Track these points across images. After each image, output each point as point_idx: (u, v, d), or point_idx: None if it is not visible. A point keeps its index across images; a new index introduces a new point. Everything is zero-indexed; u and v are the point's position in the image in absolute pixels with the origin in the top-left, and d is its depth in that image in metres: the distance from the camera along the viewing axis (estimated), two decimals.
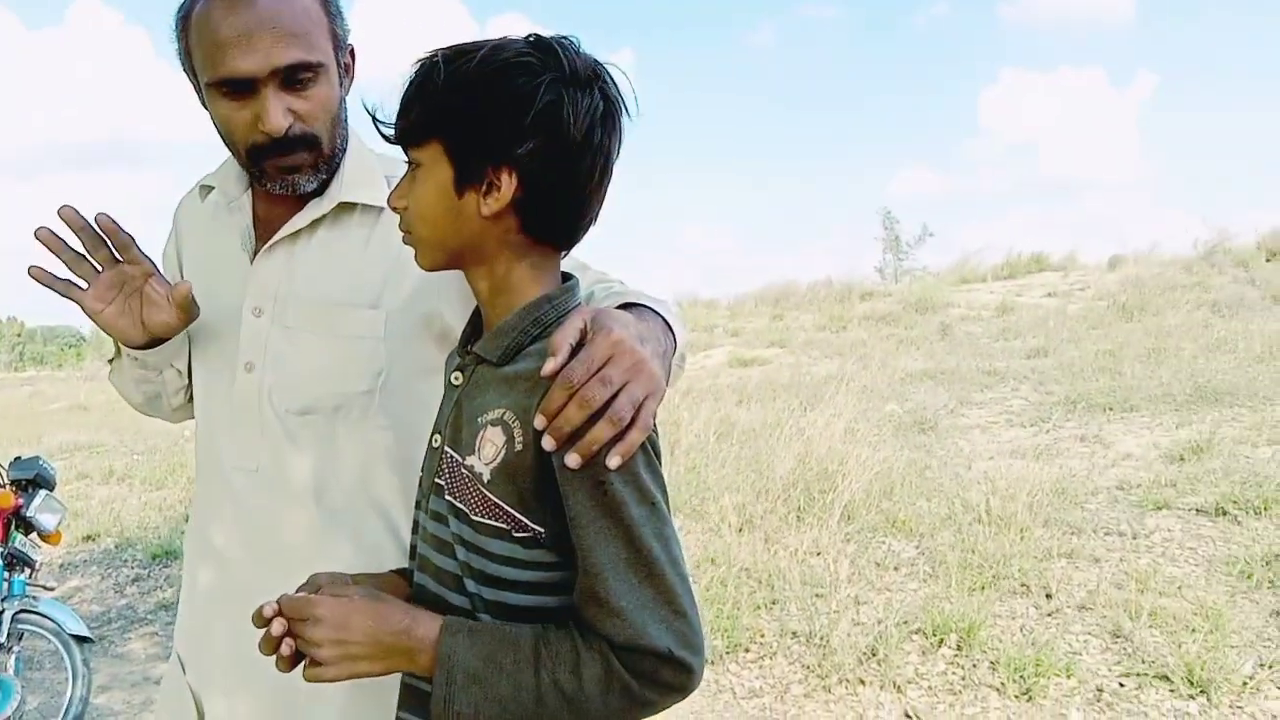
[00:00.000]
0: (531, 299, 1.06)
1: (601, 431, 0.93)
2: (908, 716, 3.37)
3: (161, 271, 1.37)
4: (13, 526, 3.81)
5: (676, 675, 0.96)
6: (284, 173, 1.34)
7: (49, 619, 3.70)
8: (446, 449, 1.08)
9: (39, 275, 1.29)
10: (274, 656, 1.03)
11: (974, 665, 3.58)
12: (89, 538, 6.91)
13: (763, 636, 3.94)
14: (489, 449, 1.01)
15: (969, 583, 4.12)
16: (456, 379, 1.11)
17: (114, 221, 1.28)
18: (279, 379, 1.38)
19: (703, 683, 1.00)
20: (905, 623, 3.85)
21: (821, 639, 3.78)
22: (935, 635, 3.74)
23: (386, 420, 1.39)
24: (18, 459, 4.10)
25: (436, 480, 1.08)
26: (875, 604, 4.09)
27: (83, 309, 1.31)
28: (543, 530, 1.00)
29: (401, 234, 1.09)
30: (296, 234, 1.40)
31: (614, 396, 0.94)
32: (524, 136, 0.97)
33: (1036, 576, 4.16)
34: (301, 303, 1.38)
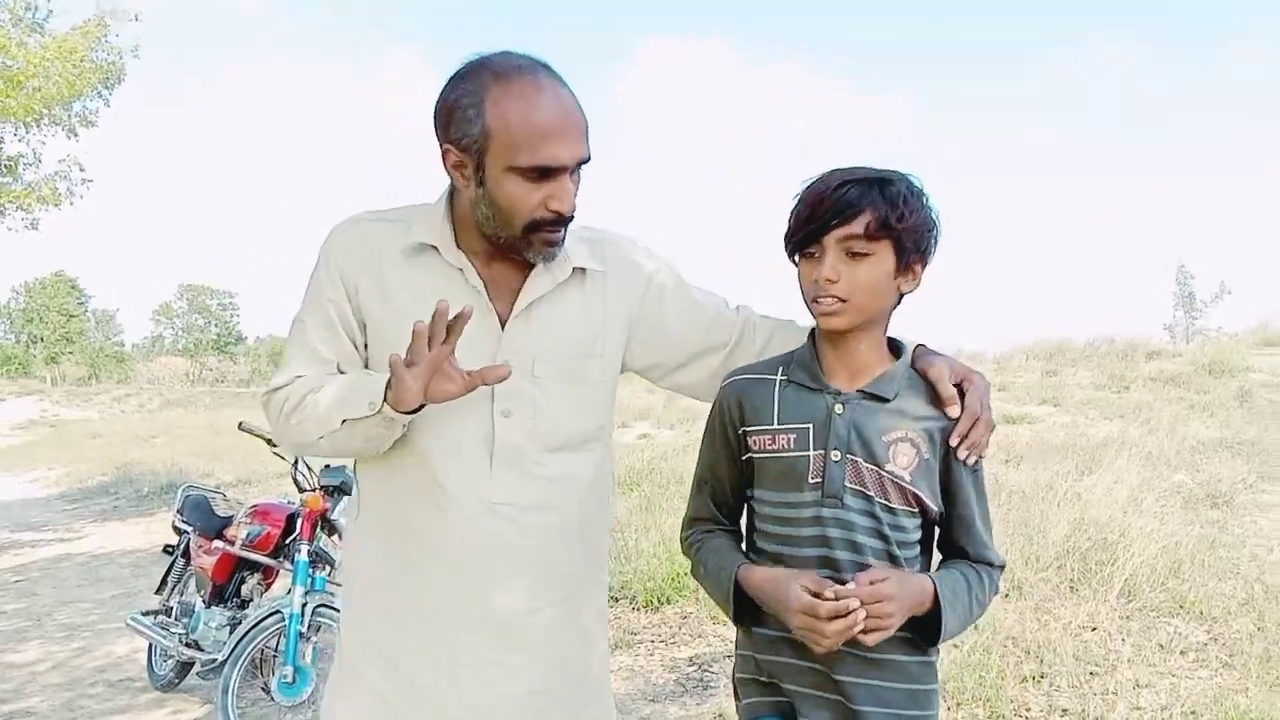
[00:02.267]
0: (897, 356, 1.57)
1: (987, 439, 1.53)
2: None
3: (356, 307, 1.61)
4: (319, 528, 4.17)
5: (1001, 577, 1.62)
6: (547, 244, 1.55)
7: None
8: (858, 460, 1.49)
9: (395, 361, 1.44)
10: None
11: None
12: None
13: (1028, 711, 3.73)
14: (903, 459, 1.49)
15: (1270, 677, 3.73)
16: (840, 410, 1.51)
17: (468, 311, 1.42)
18: (536, 423, 1.60)
19: None
20: (1194, 713, 3.53)
21: None
22: None
23: (606, 443, 1.72)
24: (327, 467, 4.49)
25: (850, 485, 1.49)
26: (1158, 689, 3.78)
27: (402, 384, 1.42)
28: (938, 509, 1.53)
29: (833, 303, 1.47)
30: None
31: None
32: (935, 244, 1.52)
33: None
34: (549, 357, 1.60)
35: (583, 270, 1.64)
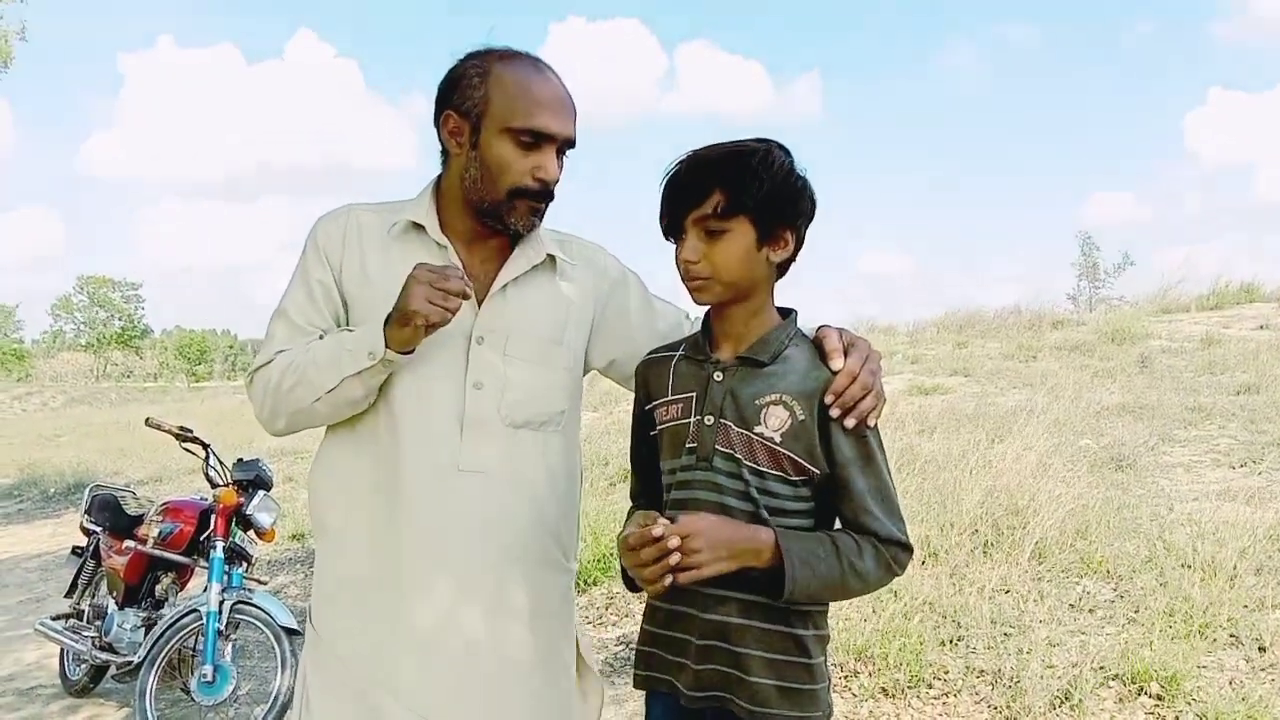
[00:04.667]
0: (779, 320, 1.59)
1: (869, 402, 1.47)
2: None
3: (337, 273, 1.72)
4: (234, 523, 4.09)
5: (907, 557, 1.52)
6: (530, 215, 1.68)
7: (262, 611, 3.92)
8: (728, 424, 1.52)
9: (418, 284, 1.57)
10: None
11: (1177, 717, 3.38)
12: (295, 537, 7.37)
13: (947, 673, 3.84)
14: (774, 420, 1.50)
15: (1172, 630, 3.90)
16: (719, 376, 1.55)
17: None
18: (504, 398, 1.69)
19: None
20: (1101, 668, 3.68)
21: (1011, 680, 3.66)
22: (1134, 683, 3.56)
23: (567, 431, 1.80)
24: (240, 460, 4.40)
25: (719, 448, 1.52)
26: (1069, 646, 3.92)
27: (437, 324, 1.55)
28: (818, 471, 1.49)
29: (698, 281, 1.52)
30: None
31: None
32: (805, 209, 1.53)
33: (1248, 628, 3.90)
34: (520, 337, 1.71)
35: (553, 260, 1.76)
